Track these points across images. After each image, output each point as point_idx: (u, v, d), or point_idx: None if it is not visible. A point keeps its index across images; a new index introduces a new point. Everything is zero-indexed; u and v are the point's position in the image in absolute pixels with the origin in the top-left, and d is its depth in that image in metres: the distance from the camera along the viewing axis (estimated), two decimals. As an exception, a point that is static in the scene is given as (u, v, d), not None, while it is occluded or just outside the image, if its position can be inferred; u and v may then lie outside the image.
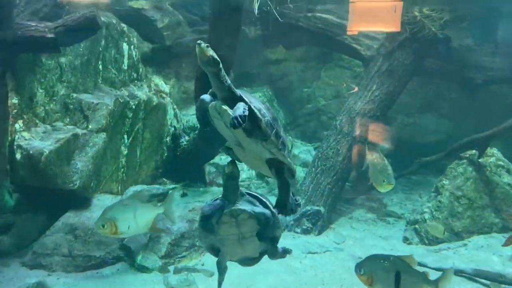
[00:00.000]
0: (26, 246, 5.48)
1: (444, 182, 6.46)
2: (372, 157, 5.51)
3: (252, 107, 2.70)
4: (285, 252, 3.45)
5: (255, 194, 3.28)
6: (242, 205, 3.10)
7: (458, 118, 8.86)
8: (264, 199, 3.25)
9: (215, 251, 3.32)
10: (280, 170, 2.96)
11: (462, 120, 8.73)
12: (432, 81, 8.85)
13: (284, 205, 2.97)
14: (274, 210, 3.13)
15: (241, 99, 2.70)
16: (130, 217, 4.21)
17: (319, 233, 6.61)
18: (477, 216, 6.25)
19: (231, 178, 3.10)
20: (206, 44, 2.67)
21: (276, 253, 3.40)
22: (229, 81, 2.75)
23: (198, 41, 2.67)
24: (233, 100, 2.71)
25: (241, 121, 2.57)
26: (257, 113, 2.71)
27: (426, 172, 8.40)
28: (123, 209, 4.20)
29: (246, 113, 2.61)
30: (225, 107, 2.69)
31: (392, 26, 6.89)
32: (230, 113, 2.64)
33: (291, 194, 3.02)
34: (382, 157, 5.47)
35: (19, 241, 5.43)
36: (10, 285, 4.82)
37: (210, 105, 2.79)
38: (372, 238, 6.55)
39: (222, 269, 3.36)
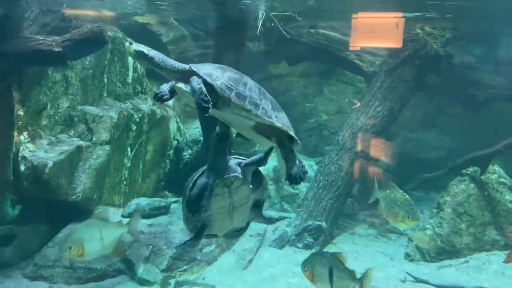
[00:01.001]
0: (27, 258, 5.49)
1: (446, 198, 6.46)
2: (386, 191, 5.07)
3: (202, 74, 2.56)
4: (281, 218, 3.28)
5: (236, 156, 3.04)
6: (232, 171, 2.89)
7: (460, 134, 8.89)
8: (245, 159, 3.03)
9: (200, 230, 3.00)
10: (279, 138, 2.77)
11: (464, 136, 8.75)
12: (434, 97, 8.91)
13: (291, 175, 2.80)
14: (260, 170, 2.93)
15: (191, 71, 2.60)
16: (97, 237, 4.19)
17: (321, 248, 6.58)
18: (479, 233, 6.24)
19: (222, 139, 2.87)
20: (129, 41, 2.69)
21: (270, 219, 3.29)
22: (170, 62, 2.68)
23: (126, 39, 2.75)
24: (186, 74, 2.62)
25: (204, 99, 2.44)
26: (208, 79, 2.54)
27: (428, 188, 8.40)
28: (89, 229, 4.18)
29: (203, 88, 2.48)
30: (179, 84, 2.62)
31: (394, 42, 6.97)
32: (186, 90, 2.57)
33: (297, 162, 2.85)
34: (397, 189, 5.07)
35: (21, 252, 5.45)
36: (11, 296, 4.83)
37: (173, 88, 2.69)
38: (374, 254, 6.52)
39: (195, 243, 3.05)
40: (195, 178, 2.96)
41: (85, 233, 4.17)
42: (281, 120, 2.74)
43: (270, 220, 3.28)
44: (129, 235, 4.69)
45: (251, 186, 2.98)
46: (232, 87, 2.58)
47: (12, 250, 5.40)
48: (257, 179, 3.02)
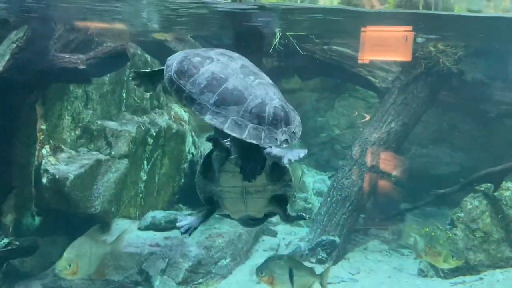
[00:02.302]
0: (47, 268, 5.60)
1: (459, 214, 6.48)
2: (424, 229, 4.79)
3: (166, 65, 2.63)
4: (300, 217, 3.16)
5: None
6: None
7: (472, 150, 8.91)
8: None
9: (212, 205, 2.87)
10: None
11: (476, 152, 8.77)
12: (446, 113, 8.97)
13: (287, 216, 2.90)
14: (285, 163, 2.58)
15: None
16: (87, 256, 4.23)
17: (334, 263, 6.63)
18: (493, 250, 6.25)
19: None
20: (132, 73, 2.84)
21: (288, 217, 3.01)
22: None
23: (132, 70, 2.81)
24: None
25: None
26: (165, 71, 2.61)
27: (440, 203, 8.41)
28: (82, 248, 4.23)
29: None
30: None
31: (403, 55, 7.05)
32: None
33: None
34: (438, 227, 4.88)
35: (40, 263, 5.56)
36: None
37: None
38: (387, 269, 6.55)
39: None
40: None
41: (80, 251, 4.22)
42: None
43: (287, 218, 3.15)
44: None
45: (268, 176, 2.76)
46: (175, 81, 2.51)
47: (32, 261, 5.51)
48: (278, 172, 2.82)
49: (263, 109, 2.45)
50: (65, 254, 4.20)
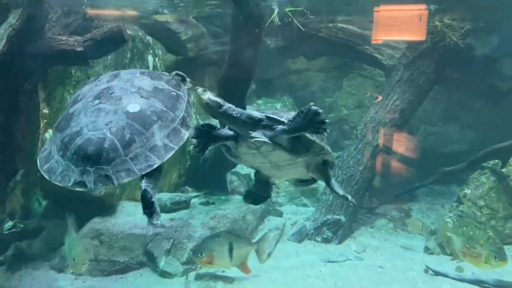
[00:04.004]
0: (54, 250, 5.69)
1: (466, 191, 6.40)
2: (461, 228, 4.48)
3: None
4: (344, 197, 3.17)
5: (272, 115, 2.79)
6: (259, 134, 2.73)
7: (481, 127, 8.75)
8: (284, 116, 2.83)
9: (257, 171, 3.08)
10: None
11: (486, 129, 8.61)
12: (455, 90, 8.79)
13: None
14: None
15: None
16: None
17: (340, 242, 6.62)
18: (500, 227, 6.17)
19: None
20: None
21: (330, 186, 3.11)
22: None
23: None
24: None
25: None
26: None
27: (449, 182, 8.32)
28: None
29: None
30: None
31: (417, 35, 6.89)
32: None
33: None
34: (476, 225, 4.58)
35: (48, 245, 5.65)
36: (41, 287, 5.02)
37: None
38: (393, 247, 6.52)
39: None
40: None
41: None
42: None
43: (330, 187, 3.15)
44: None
45: (290, 152, 2.83)
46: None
47: (40, 243, 5.61)
48: (301, 147, 2.85)
49: (72, 141, 2.23)
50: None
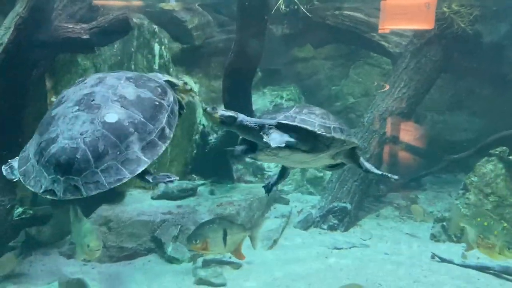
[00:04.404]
0: (63, 237, 5.77)
1: (472, 179, 6.38)
2: (476, 219, 4.45)
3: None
4: (384, 176, 3.31)
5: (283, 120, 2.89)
6: (273, 139, 2.78)
7: (490, 116, 8.68)
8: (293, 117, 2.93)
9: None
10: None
11: (494, 118, 8.53)
12: (463, 78, 8.72)
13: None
14: (315, 128, 2.85)
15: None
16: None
17: (346, 229, 6.65)
18: (507, 214, 6.14)
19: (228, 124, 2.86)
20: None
21: (363, 168, 3.29)
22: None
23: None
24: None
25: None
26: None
27: (456, 170, 8.29)
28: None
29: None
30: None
31: (425, 23, 6.84)
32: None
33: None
34: (491, 215, 4.54)
35: (57, 232, 5.73)
36: (50, 273, 5.12)
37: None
38: (399, 235, 6.54)
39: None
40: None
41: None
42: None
43: (363, 170, 3.34)
44: None
45: (306, 152, 2.93)
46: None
47: (49, 230, 5.68)
48: (323, 143, 2.94)
49: (47, 147, 2.22)
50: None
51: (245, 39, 6.18)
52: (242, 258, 4.96)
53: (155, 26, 7.21)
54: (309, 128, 2.85)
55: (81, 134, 2.23)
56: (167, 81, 2.89)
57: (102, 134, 2.22)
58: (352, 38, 8.50)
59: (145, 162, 2.28)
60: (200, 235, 4.51)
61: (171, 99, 2.64)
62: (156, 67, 7.24)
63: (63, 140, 2.22)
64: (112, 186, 2.22)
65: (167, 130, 2.47)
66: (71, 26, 4.76)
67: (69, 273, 5.12)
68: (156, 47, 7.22)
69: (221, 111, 2.76)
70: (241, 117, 2.82)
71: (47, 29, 4.63)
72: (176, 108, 2.65)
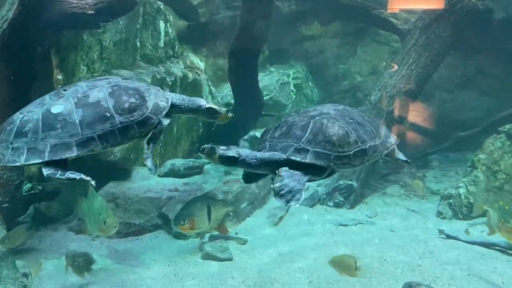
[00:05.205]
0: (71, 213, 5.85)
1: (480, 156, 6.33)
2: (498, 202, 4.33)
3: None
4: (405, 161, 3.07)
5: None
6: (286, 195, 2.56)
7: (499, 94, 8.56)
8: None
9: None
10: None
11: (504, 96, 8.42)
12: (472, 56, 8.57)
13: None
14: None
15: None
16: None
17: (351, 207, 6.66)
18: (515, 191, 6.12)
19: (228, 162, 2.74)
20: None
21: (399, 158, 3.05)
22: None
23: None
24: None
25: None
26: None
27: (464, 149, 8.23)
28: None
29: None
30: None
31: (435, 3, 6.73)
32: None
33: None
34: (510, 196, 4.54)
35: (65, 208, 5.80)
36: (60, 247, 5.21)
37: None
38: (405, 212, 6.54)
39: None
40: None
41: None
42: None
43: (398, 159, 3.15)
44: None
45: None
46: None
47: (57, 206, 5.76)
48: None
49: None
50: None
51: (251, 16, 6.12)
52: (226, 232, 5.12)
53: (160, 3, 7.14)
54: (324, 164, 2.59)
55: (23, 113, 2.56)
56: (210, 108, 2.88)
57: (36, 119, 2.45)
58: (361, 15, 8.38)
59: (43, 157, 2.42)
60: (187, 215, 4.56)
61: (137, 118, 2.62)
62: (161, 44, 7.20)
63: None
64: (6, 164, 2.43)
65: (93, 142, 2.52)
66: (75, 1, 4.72)
67: (78, 247, 5.20)
68: (161, 24, 7.16)
69: (221, 151, 2.62)
70: (244, 155, 2.65)
71: (51, 4, 4.60)
72: (136, 131, 2.63)
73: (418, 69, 7.09)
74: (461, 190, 6.26)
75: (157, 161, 6.92)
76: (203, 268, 4.84)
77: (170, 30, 7.36)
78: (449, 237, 5.50)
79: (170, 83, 6.86)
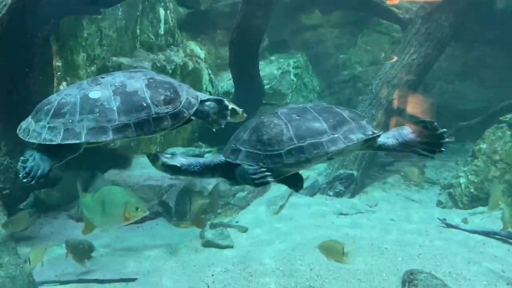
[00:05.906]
0: (72, 201, 5.84)
1: (481, 146, 6.34)
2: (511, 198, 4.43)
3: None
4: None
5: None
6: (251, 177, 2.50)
7: (500, 85, 8.54)
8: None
9: None
10: None
11: (505, 87, 8.40)
12: (473, 46, 8.54)
13: None
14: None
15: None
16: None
17: (352, 196, 6.67)
18: (515, 181, 6.13)
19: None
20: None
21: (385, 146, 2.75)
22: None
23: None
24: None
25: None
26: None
27: (464, 139, 8.23)
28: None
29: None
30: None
31: None
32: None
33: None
34: None
35: (66, 196, 5.79)
36: (60, 234, 5.20)
37: None
38: (405, 202, 6.56)
39: None
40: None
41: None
42: None
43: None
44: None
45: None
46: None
47: (58, 193, 5.75)
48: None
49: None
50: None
51: (251, 6, 6.06)
52: (203, 226, 5.11)
53: (153, 154, 7.06)
54: (253, 164, 2.52)
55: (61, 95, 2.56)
56: (232, 109, 2.86)
57: (74, 102, 2.49)
58: (362, 4, 8.33)
59: (79, 138, 2.43)
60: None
61: (170, 111, 2.62)
62: (161, 32, 7.15)
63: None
64: (42, 142, 2.42)
65: (128, 128, 2.53)
66: (75, -14, 4.68)
67: (78, 235, 5.19)
68: (161, 11, 7.11)
69: (164, 159, 2.61)
70: (187, 164, 2.62)
71: (51, -12, 4.55)
72: (169, 123, 2.62)
73: (419, 59, 7.07)
74: (462, 180, 6.27)
75: (157, 149, 6.90)
76: (204, 255, 4.84)
77: (170, 17, 7.31)
78: (449, 226, 5.51)
79: (170, 71, 6.82)
